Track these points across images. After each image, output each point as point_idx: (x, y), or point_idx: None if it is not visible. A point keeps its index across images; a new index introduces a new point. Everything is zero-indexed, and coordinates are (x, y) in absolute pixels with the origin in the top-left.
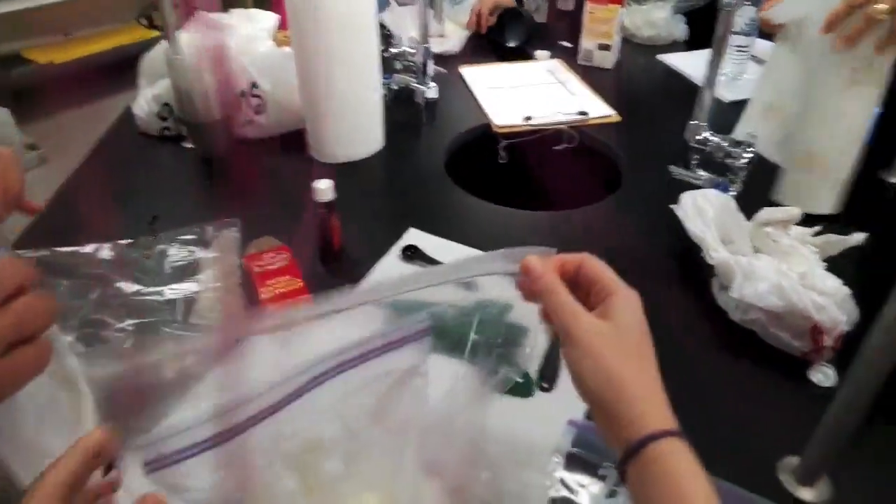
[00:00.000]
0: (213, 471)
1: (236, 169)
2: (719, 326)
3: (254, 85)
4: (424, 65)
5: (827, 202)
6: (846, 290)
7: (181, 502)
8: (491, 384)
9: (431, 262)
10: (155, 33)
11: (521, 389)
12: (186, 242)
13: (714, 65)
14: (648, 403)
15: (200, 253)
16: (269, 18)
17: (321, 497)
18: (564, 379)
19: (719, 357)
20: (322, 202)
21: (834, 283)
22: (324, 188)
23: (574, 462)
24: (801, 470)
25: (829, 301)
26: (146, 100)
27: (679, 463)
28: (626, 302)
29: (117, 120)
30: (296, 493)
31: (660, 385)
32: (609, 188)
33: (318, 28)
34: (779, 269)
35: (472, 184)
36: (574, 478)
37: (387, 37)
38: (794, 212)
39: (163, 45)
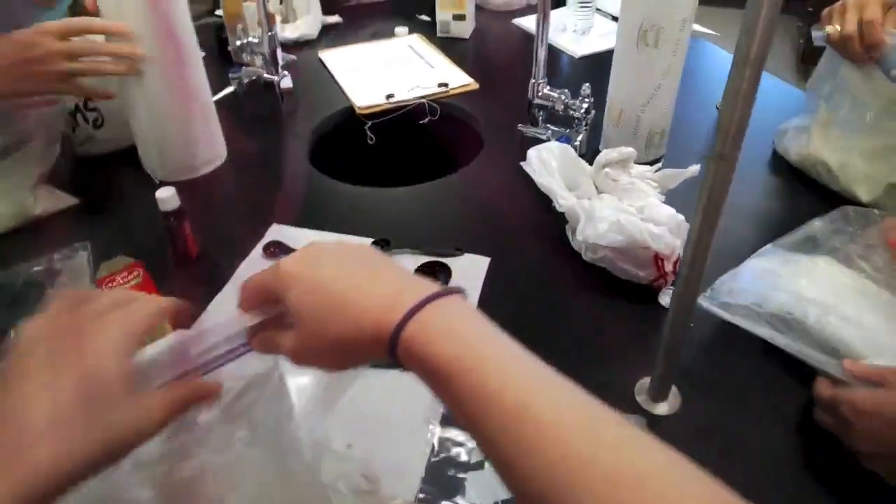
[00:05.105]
0: None
1: (82, 189)
2: (576, 269)
3: (88, 98)
4: (273, 54)
5: (634, 150)
6: (680, 217)
7: None
8: None
9: None
10: None
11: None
12: (32, 276)
13: (541, 23)
14: (397, 282)
15: (49, 284)
16: None
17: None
18: None
19: (578, 297)
20: (168, 211)
21: (668, 212)
22: (166, 197)
23: (449, 422)
24: (651, 387)
25: (663, 230)
26: None
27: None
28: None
29: None
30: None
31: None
32: (475, 154)
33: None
34: (618, 207)
35: (342, 169)
36: (450, 437)
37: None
38: (628, 151)
39: None
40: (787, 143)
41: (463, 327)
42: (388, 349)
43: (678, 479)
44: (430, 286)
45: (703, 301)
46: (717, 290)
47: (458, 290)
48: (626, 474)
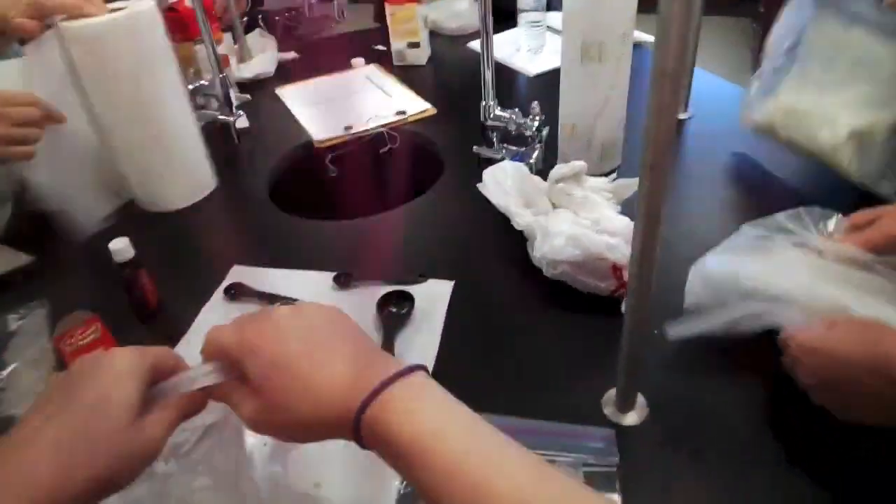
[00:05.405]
0: None
1: (37, 246)
2: (538, 286)
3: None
4: (226, 95)
5: (585, 164)
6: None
7: None
8: None
9: (258, 295)
10: None
11: None
12: None
13: (485, 46)
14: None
15: (4, 346)
16: None
17: None
18: None
19: (541, 313)
20: (123, 262)
21: (623, 222)
22: (120, 248)
23: None
24: (617, 399)
25: (619, 240)
26: None
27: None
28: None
29: None
30: None
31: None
32: (437, 178)
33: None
34: (573, 221)
35: (305, 204)
36: None
37: None
38: (579, 165)
39: None
40: (752, 104)
41: (424, 407)
42: (352, 432)
43: None
44: (391, 363)
45: (671, 329)
46: (688, 300)
47: (420, 367)
48: None
